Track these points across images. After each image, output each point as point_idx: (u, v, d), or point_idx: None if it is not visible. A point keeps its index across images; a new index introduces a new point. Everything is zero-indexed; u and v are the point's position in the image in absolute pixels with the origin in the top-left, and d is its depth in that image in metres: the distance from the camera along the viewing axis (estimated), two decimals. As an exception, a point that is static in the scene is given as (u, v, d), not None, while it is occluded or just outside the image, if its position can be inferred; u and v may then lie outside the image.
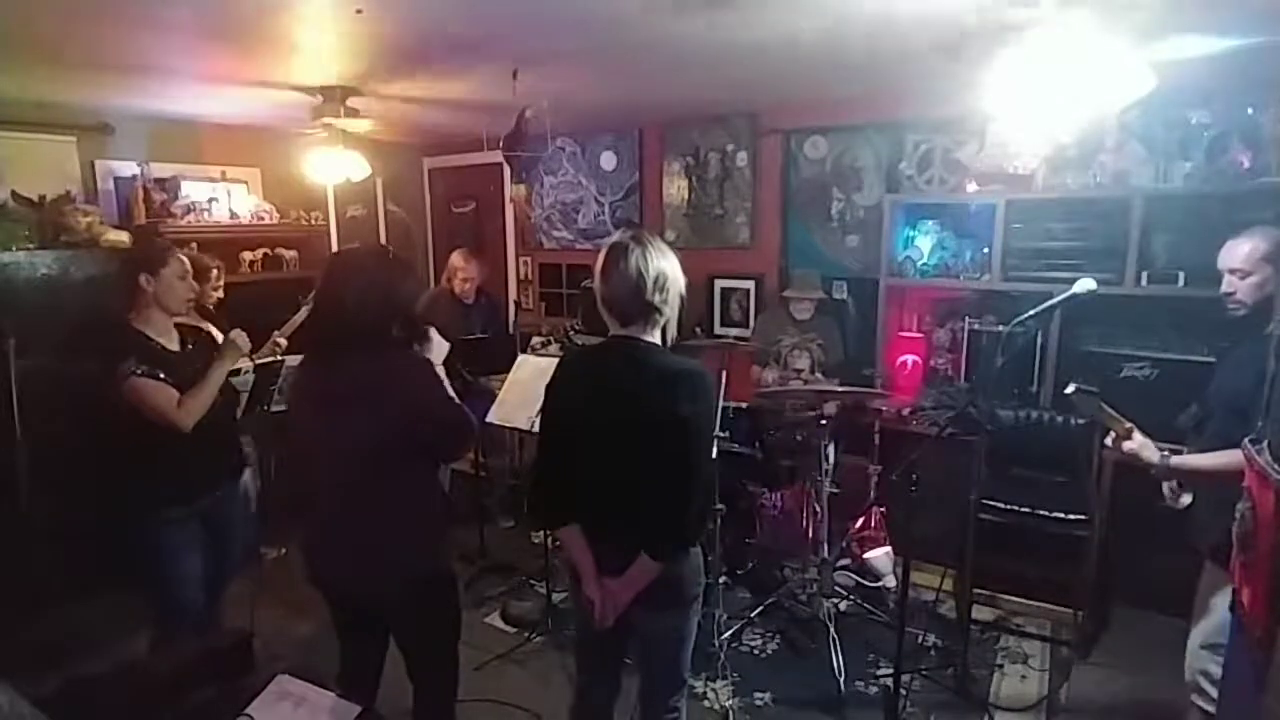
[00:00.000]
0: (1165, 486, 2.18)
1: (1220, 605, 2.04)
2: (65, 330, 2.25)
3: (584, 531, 1.79)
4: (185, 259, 2.37)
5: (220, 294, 3.34)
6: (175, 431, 2.19)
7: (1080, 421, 3.11)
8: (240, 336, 2.45)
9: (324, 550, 1.95)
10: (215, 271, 3.30)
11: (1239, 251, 2.00)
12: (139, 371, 2.16)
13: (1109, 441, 2.12)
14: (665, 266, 1.68)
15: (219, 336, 2.59)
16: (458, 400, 1.95)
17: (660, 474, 1.65)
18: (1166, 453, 2.03)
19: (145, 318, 2.28)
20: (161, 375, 2.20)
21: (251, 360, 2.69)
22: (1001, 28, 2.24)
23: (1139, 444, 2.04)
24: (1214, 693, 2.07)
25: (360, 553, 1.87)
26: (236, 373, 2.51)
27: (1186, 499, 2.15)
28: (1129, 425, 2.06)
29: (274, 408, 2.79)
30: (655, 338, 1.73)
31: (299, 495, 1.99)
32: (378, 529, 1.86)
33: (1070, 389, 2.07)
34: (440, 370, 1.96)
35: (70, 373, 2.16)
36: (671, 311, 1.73)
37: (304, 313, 3.77)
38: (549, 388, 1.82)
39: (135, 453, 2.23)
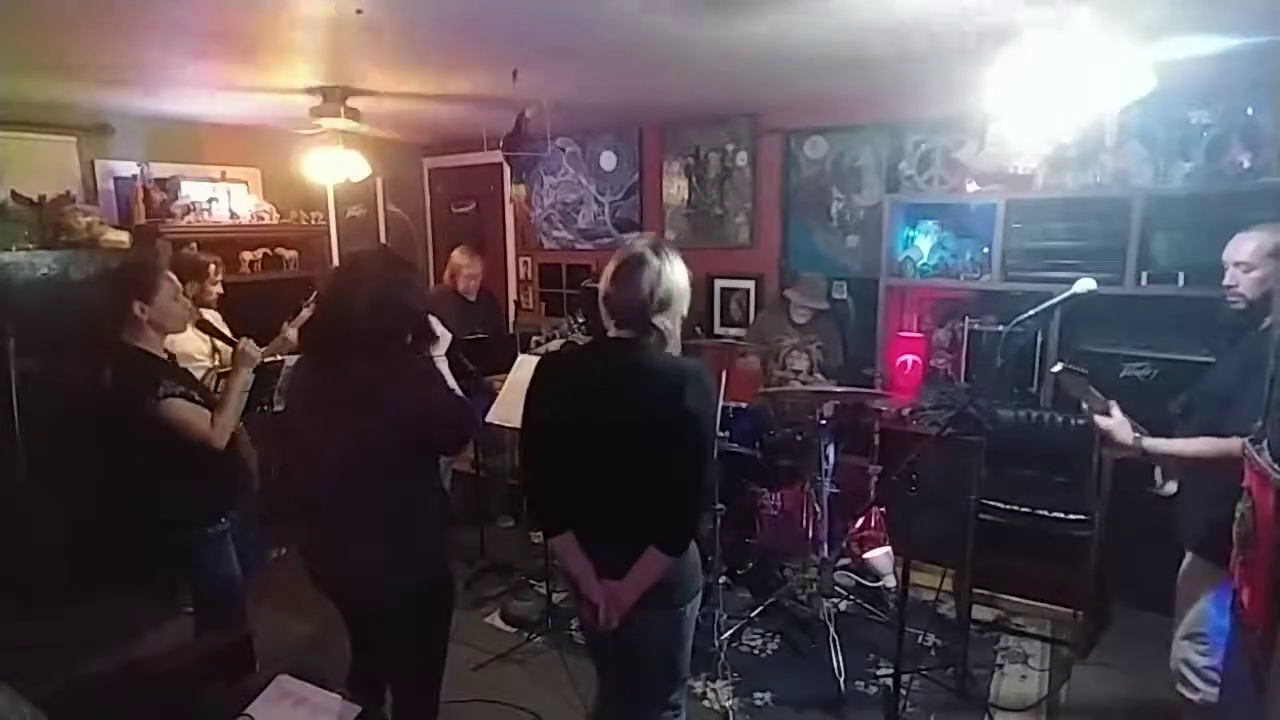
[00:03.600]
0: (1156, 472, 2.19)
1: (1198, 595, 2.07)
2: (68, 341, 2.22)
3: (579, 536, 1.76)
4: (173, 277, 2.30)
5: (220, 289, 3.34)
6: (215, 446, 2.18)
7: (1080, 421, 3.10)
8: (250, 346, 2.44)
9: (324, 550, 1.96)
10: (213, 268, 3.30)
11: (1246, 246, 2.01)
12: (176, 393, 2.13)
13: (1084, 409, 2.11)
14: (675, 284, 1.68)
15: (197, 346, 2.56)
16: (460, 394, 1.95)
17: (667, 471, 1.64)
18: (1139, 435, 2.02)
19: (145, 339, 2.21)
20: (196, 396, 2.20)
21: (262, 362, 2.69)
22: (1002, 27, 2.25)
23: (1116, 422, 2.02)
24: (1196, 681, 2.10)
25: (360, 552, 1.86)
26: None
27: (1171, 487, 2.16)
28: (1110, 403, 2.05)
29: (275, 408, 2.79)
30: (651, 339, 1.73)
31: (298, 495, 1.99)
32: (377, 529, 1.86)
33: (1057, 367, 2.08)
34: (443, 363, 1.96)
35: (77, 381, 2.14)
36: (670, 327, 1.71)
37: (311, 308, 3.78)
38: (530, 390, 1.78)
39: (174, 468, 2.19)
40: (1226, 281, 2.05)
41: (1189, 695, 2.13)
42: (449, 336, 2.02)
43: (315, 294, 3.95)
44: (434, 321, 1.96)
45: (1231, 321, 2.08)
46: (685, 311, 1.75)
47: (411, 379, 1.84)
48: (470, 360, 3.64)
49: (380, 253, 2.05)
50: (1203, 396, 2.08)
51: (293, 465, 2.03)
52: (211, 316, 2.89)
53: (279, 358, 2.93)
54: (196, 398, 2.21)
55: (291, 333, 3.36)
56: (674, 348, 1.75)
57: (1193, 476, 2.06)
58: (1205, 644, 2.07)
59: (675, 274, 1.68)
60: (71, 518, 2.99)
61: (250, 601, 2.64)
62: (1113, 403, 2.05)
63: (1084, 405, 2.10)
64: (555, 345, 4.31)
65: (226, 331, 2.71)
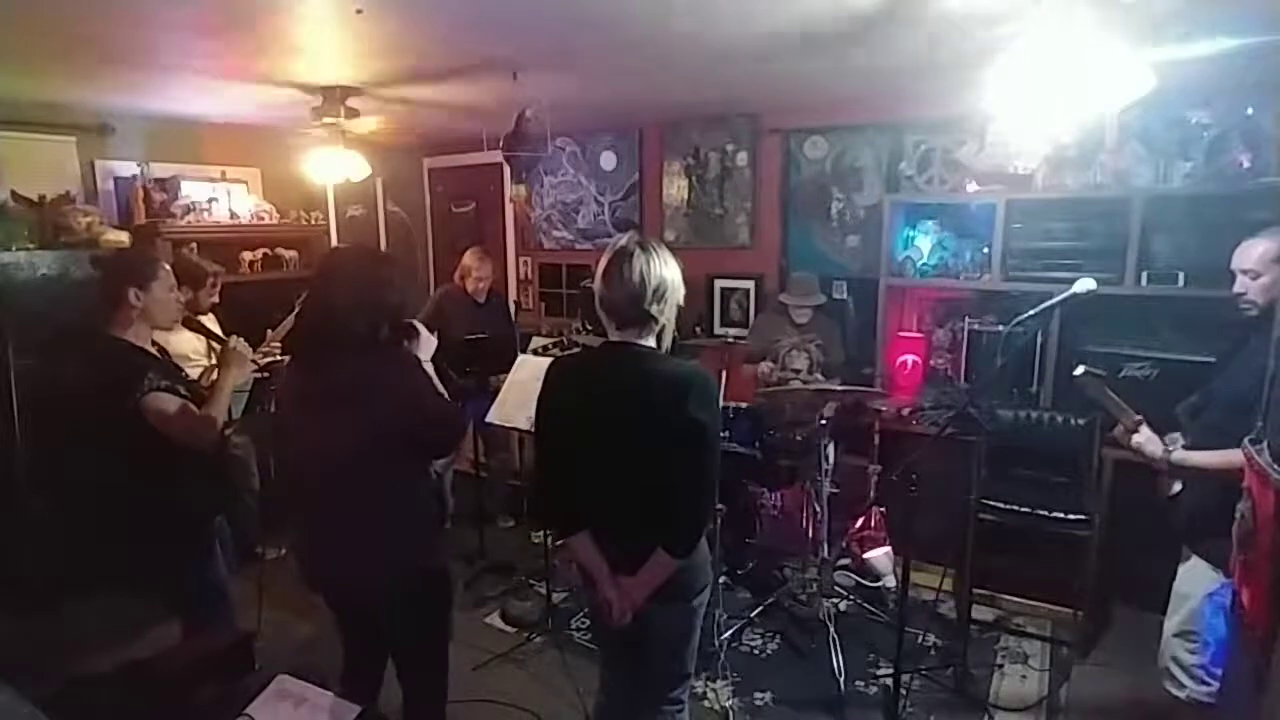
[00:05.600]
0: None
1: (1193, 593, 2.08)
2: (65, 339, 2.20)
3: (592, 534, 1.79)
4: (169, 269, 2.27)
5: (216, 299, 3.34)
6: (199, 444, 2.15)
7: (1080, 421, 3.11)
8: (240, 344, 2.42)
9: (316, 550, 1.96)
10: (213, 278, 3.30)
11: (1253, 253, 2.01)
12: (162, 386, 2.09)
13: (1116, 432, 2.14)
14: (667, 275, 1.70)
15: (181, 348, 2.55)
16: (446, 397, 1.95)
17: (673, 475, 1.66)
18: (1169, 449, 2.04)
19: (133, 332, 2.17)
20: (182, 391, 2.17)
21: (257, 363, 2.69)
22: (1002, 27, 2.24)
23: (1145, 438, 2.08)
24: (1183, 679, 2.12)
25: (351, 552, 1.87)
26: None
27: (1176, 486, 2.17)
28: (1138, 418, 2.08)
29: (273, 409, 2.79)
30: (651, 342, 1.75)
31: (291, 495, 1.99)
32: (368, 528, 1.86)
33: (1079, 370, 2.10)
34: (429, 367, 1.96)
35: (69, 379, 2.12)
36: (668, 320, 1.75)
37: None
38: (543, 393, 1.81)
39: (162, 465, 2.15)
40: (1236, 289, 2.06)
41: (1176, 693, 2.15)
42: (434, 341, 2.02)
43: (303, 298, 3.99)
44: (419, 327, 1.96)
45: (1243, 326, 2.09)
46: (680, 302, 1.76)
47: (394, 379, 1.83)
48: (474, 360, 3.65)
49: (356, 249, 2.05)
50: (1214, 400, 2.08)
51: (283, 465, 2.03)
52: (205, 320, 2.89)
53: (277, 356, 2.93)
54: (183, 393, 2.16)
55: (276, 342, 3.37)
56: (667, 342, 1.77)
57: (1208, 480, 2.06)
58: (1195, 641, 2.09)
59: (664, 264, 1.70)
60: (70, 517, 2.99)
61: (237, 602, 2.64)
62: (1140, 418, 2.08)
63: (1116, 426, 2.12)
64: (555, 350, 4.32)
65: (217, 331, 2.71)
